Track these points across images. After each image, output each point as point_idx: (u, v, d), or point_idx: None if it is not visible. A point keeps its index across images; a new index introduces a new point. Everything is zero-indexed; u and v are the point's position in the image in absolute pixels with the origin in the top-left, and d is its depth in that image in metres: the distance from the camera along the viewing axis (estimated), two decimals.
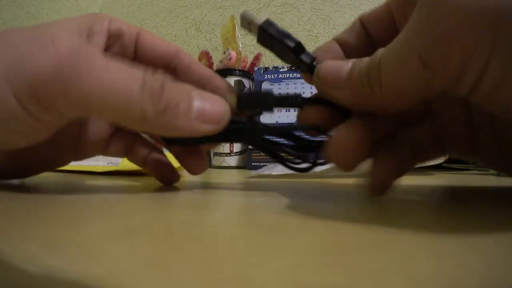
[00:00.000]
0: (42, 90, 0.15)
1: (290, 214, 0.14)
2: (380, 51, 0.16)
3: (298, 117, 0.20)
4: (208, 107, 0.17)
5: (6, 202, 0.14)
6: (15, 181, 0.24)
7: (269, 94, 0.19)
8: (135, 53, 0.22)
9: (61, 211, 0.13)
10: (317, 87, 0.19)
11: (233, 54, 0.66)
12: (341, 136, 0.17)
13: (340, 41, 0.21)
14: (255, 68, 0.66)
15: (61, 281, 0.07)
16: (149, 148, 0.25)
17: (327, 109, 0.19)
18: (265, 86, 0.69)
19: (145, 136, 0.26)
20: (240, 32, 0.72)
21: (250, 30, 0.20)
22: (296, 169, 0.21)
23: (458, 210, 0.15)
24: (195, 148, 0.24)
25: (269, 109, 0.19)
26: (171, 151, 0.25)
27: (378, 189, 0.19)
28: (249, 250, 0.09)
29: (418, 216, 0.14)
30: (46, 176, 0.30)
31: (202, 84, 0.22)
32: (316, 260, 0.08)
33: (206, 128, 0.17)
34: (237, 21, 0.75)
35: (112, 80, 0.15)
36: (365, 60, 0.17)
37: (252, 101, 0.19)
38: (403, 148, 0.20)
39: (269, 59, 0.83)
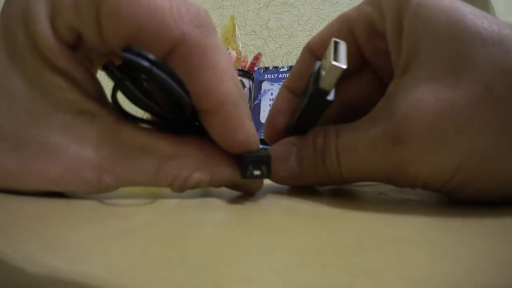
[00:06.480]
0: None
1: (290, 214, 0.14)
2: (331, 133, 0.17)
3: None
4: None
5: (6, 202, 0.14)
6: None
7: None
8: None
9: (61, 211, 0.13)
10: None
11: (233, 54, 0.67)
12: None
13: (292, 89, 0.20)
14: (255, 68, 0.66)
15: (61, 281, 0.07)
16: None
17: None
18: (265, 86, 0.69)
19: None
20: (240, 32, 0.72)
21: None
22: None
23: (458, 210, 0.15)
24: None
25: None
26: None
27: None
28: (249, 250, 0.09)
29: (418, 216, 0.14)
30: None
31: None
32: (316, 260, 0.08)
33: None
34: (237, 21, 0.74)
35: None
36: (310, 146, 0.18)
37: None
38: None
39: (269, 59, 0.83)
